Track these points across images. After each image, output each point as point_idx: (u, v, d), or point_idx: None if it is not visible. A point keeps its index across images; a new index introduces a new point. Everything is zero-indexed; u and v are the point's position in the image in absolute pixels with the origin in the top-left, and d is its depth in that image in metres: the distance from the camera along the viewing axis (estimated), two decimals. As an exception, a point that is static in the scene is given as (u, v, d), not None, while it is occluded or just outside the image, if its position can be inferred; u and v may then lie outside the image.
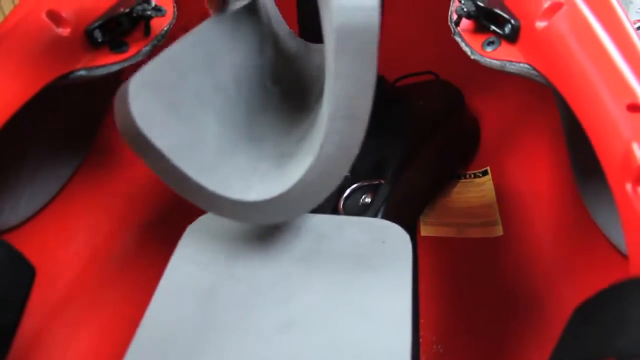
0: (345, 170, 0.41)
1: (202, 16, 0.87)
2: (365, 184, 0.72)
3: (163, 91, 0.42)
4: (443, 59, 0.81)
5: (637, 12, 1.70)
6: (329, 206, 0.75)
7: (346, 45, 0.34)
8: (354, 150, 0.39)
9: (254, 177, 0.46)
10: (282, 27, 0.62)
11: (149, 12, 0.56)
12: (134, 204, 0.70)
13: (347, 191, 0.72)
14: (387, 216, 0.70)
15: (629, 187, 0.36)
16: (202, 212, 0.52)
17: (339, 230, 0.50)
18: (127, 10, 0.55)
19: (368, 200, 0.72)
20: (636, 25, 1.55)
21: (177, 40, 0.44)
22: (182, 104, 0.44)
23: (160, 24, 0.59)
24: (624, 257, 0.49)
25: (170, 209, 0.71)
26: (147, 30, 0.57)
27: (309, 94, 0.56)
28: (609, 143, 0.38)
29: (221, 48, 0.49)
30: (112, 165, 0.70)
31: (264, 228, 0.50)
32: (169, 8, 0.60)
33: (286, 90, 0.57)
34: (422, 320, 0.65)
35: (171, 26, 0.59)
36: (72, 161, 0.66)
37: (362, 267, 0.46)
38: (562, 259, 0.61)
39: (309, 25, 0.78)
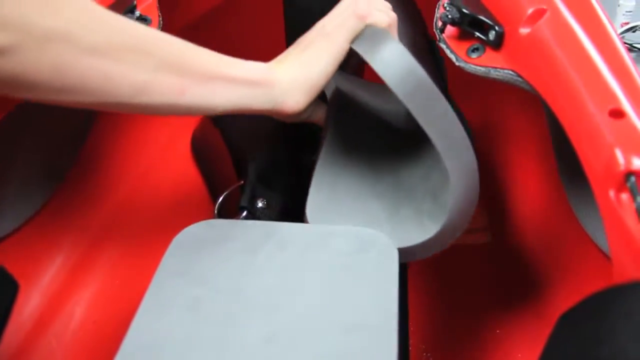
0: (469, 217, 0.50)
1: (190, 21, 0.87)
2: None
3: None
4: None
5: (624, 14, 1.71)
6: None
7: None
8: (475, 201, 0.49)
9: (393, 224, 0.54)
10: None
11: (132, 22, 0.55)
12: (117, 218, 0.70)
13: None
14: None
15: (612, 194, 0.36)
16: (186, 224, 0.52)
17: (324, 239, 0.50)
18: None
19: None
20: (624, 28, 1.55)
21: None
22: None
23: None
24: (601, 251, 0.49)
25: (154, 222, 0.71)
26: (132, 40, 0.57)
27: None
28: (592, 150, 0.38)
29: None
30: (96, 181, 0.69)
31: (249, 239, 0.50)
32: (154, 17, 0.60)
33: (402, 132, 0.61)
34: (412, 329, 0.64)
35: None
36: (55, 176, 0.66)
37: (347, 278, 0.46)
38: (551, 265, 0.61)
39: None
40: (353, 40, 0.52)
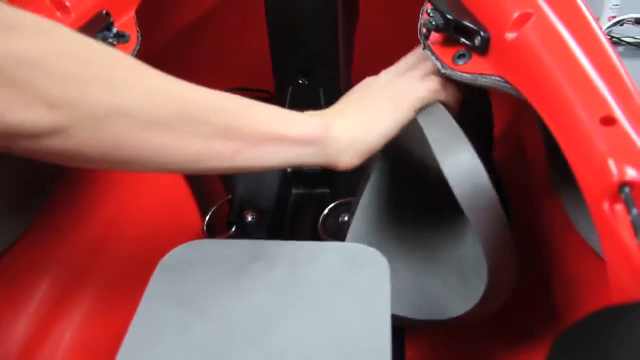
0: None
1: (173, 36, 0.85)
2: (344, 201, 0.71)
3: None
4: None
5: (611, 8, 1.70)
6: (309, 226, 0.73)
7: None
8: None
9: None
10: None
11: (110, 40, 0.54)
12: (104, 240, 0.68)
13: (326, 210, 0.71)
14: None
15: (606, 206, 0.35)
16: (175, 242, 0.50)
17: (314, 257, 0.48)
18: (87, 39, 0.53)
19: (347, 218, 0.70)
20: (612, 22, 1.54)
21: None
22: None
23: (125, 50, 0.57)
24: (595, 252, 0.48)
25: (142, 242, 0.69)
26: (109, 58, 0.55)
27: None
28: (584, 159, 0.37)
29: None
30: (80, 202, 0.68)
31: (237, 260, 0.49)
32: (133, 33, 0.59)
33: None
34: (409, 353, 0.63)
35: (135, 53, 0.57)
36: (30, 208, 0.64)
37: (339, 296, 0.44)
38: (548, 271, 0.60)
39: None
40: (419, 112, 0.51)
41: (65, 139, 0.35)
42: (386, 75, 0.55)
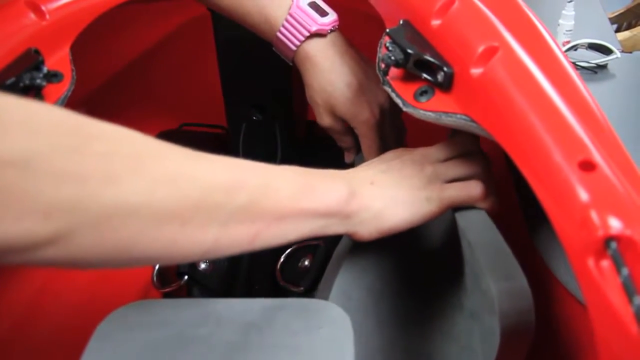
0: None
1: (113, 73, 0.80)
2: (302, 245, 0.67)
3: None
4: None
5: (564, 33, 1.72)
6: (267, 273, 0.69)
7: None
8: None
9: None
10: None
11: (38, 81, 0.48)
12: (35, 306, 0.62)
13: (283, 257, 0.66)
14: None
15: (590, 262, 0.31)
16: (120, 296, 0.45)
17: (269, 316, 0.44)
18: (14, 79, 0.48)
19: (307, 263, 0.66)
20: (566, 47, 1.55)
21: None
22: None
23: (58, 90, 0.52)
24: (581, 304, 0.44)
25: (79, 303, 0.63)
26: (39, 101, 0.50)
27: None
28: (563, 209, 0.33)
29: None
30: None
31: (185, 322, 0.44)
32: (67, 72, 0.54)
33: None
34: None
35: (69, 92, 0.52)
36: None
37: (297, 363, 0.40)
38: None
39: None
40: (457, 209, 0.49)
41: (63, 248, 0.29)
42: (422, 156, 0.50)
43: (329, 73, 0.59)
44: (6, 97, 0.28)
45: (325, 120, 0.62)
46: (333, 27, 0.60)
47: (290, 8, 0.58)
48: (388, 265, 0.55)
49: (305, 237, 0.43)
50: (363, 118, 0.60)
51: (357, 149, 0.64)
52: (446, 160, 0.50)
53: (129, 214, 0.31)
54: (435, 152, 0.51)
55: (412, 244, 0.55)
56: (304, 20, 0.57)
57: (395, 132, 0.64)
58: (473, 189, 0.48)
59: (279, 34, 0.59)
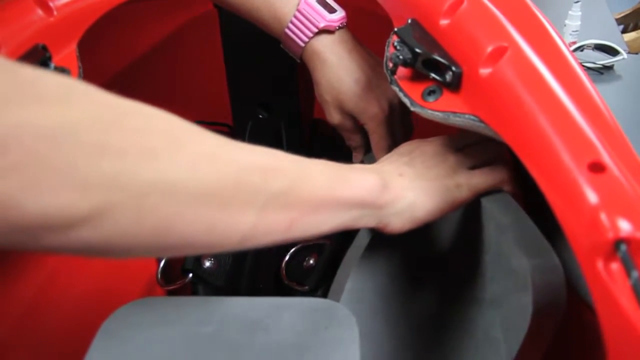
0: None
1: (120, 68, 0.81)
2: (307, 244, 0.66)
3: None
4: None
5: (570, 34, 1.72)
6: (271, 271, 0.69)
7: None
8: None
9: None
10: None
11: (45, 76, 0.48)
12: (40, 300, 0.62)
13: (287, 255, 0.66)
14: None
15: (600, 265, 0.31)
16: (125, 293, 0.45)
17: (274, 315, 0.44)
18: (21, 74, 0.48)
19: (312, 262, 0.66)
20: (572, 47, 1.55)
21: None
22: None
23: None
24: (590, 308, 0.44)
25: (83, 301, 0.63)
26: (46, 96, 0.50)
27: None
28: (572, 211, 0.33)
29: None
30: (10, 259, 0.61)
31: (190, 320, 0.44)
32: (74, 67, 0.54)
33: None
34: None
35: None
36: None
37: (302, 362, 0.40)
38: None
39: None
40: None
41: (99, 228, 0.28)
42: (442, 146, 0.51)
43: (337, 69, 0.59)
44: (43, 71, 0.28)
45: (334, 117, 0.62)
46: (341, 24, 0.60)
47: (298, 4, 0.58)
48: (398, 267, 0.55)
49: (337, 229, 0.42)
50: (372, 113, 0.60)
51: (366, 148, 0.64)
52: (464, 148, 0.51)
53: (168, 191, 0.30)
54: (452, 140, 0.51)
55: (420, 245, 0.55)
56: (312, 17, 0.57)
57: (404, 130, 0.64)
58: (498, 174, 0.48)
59: (287, 30, 0.59)
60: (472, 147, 0.51)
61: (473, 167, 0.49)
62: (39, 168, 0.26)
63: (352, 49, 0.60)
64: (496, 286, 0.48)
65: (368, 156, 0.64)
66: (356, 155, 0.67)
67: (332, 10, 0.59)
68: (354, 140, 0.65)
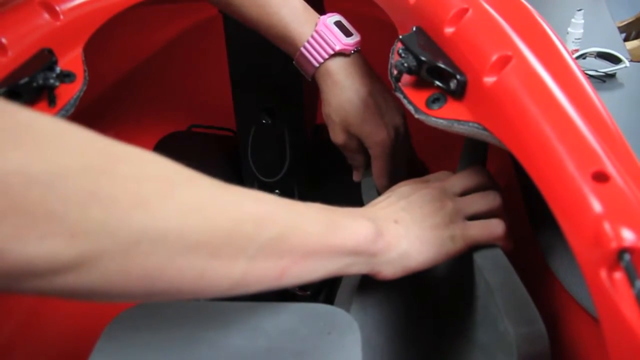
0: None
1: (124, 72, 0.81)
2: None
3: None
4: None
5: (573, 42, 1.72)
6: None
7: None
8: None
9: None
10: None
11: (52, 81, 0.49)
12: (34, 312, 0.62)
13: None
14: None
15: (603, 274, 0.31)
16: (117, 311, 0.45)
17: (277, 320, 0.44)
18: (27, 79, 0.48)
19: None
20: (575, 55, 1.56)
21: None
22: None
23: (71, 90, 0.53)
24: (588, 313, 0.44)
25: (82, 306, 0.63)
26: (52, 101, 0.50)
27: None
28: (576, 220, 0.33)
29: None
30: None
31: (191, 324, 0.44)
32: (79, 72, 0.54)
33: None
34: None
35: (82, 93, 0.53)
36: None
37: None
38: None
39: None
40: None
41: (85, 275, 0.28)
42: (440, 191, 0.50)
43: (348, 91, 0.60)
44: (37, 114, 0.28)
45: (339, 137, 0.63)
46: (356, 47, 0.60)
47: (316, 25, 0.58)
48: (398, 293, 0.56)
49: (329, 276, 0.42)
50: (378, 139, 0.60)
51: (366, 166, 0.65)
52: (463, 192, 0.51)
53: (158, 240, 0.30)
54: (452, 184, 0.51)
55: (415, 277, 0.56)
56: (329, 39, 0.58)
57: (405, 154, 0.64)
58: (495, 229, 0.48)
59: (302, 50, 0.59)
60: (473, 195, 0.51)
61: (471, 217, 0.49)
62: (27, 215, 0.25)
63: (364, 73, 0.61)
64: (485, 334, 0.48)
65: (367, 173, 0.65)
66: (356, 173, 0.68)
67: (348, 34, 0.60)
68: (356, 160, 0.66)
